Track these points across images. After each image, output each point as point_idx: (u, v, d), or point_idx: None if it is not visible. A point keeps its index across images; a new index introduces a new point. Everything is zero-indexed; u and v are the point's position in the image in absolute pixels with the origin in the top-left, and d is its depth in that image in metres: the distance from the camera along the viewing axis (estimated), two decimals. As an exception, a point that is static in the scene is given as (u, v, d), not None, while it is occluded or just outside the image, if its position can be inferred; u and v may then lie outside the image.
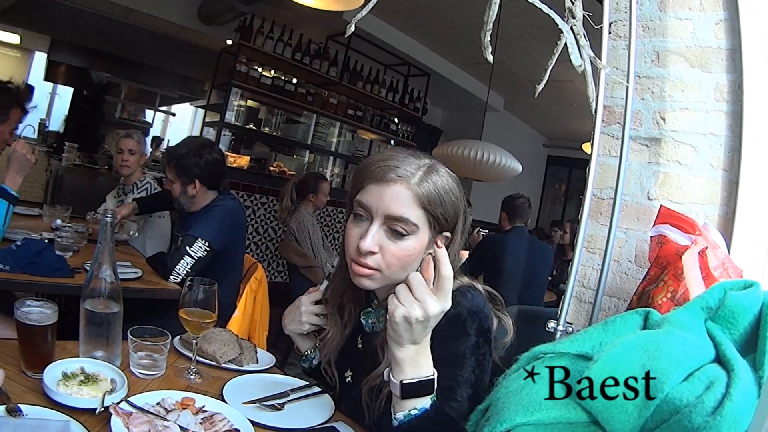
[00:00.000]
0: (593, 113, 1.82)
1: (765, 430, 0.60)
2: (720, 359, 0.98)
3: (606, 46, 1.90)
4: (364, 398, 1.46)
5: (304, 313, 1.70)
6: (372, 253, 1.39)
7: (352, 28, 1.53)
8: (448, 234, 1.48)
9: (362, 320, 1.59)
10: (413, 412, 1.25)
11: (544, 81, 1.59)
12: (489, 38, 1.56)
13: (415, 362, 1.26)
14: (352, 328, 1.64)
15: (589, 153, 1.97)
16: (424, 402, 1.25)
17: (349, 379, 1.62)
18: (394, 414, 1.28)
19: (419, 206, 1.39)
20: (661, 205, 1.87)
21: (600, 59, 1.75)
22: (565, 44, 1.54)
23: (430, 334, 1.27)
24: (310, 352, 1.76)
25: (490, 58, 1.56)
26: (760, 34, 1.88)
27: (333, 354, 1.65)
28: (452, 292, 1.38)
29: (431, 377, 1.26)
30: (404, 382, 1.25)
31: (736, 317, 1.05)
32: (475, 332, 1.41)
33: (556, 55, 1.55)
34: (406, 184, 1.39)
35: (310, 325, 1.71)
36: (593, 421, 0.97)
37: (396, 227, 1.38)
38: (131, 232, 3.80)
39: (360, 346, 1.63)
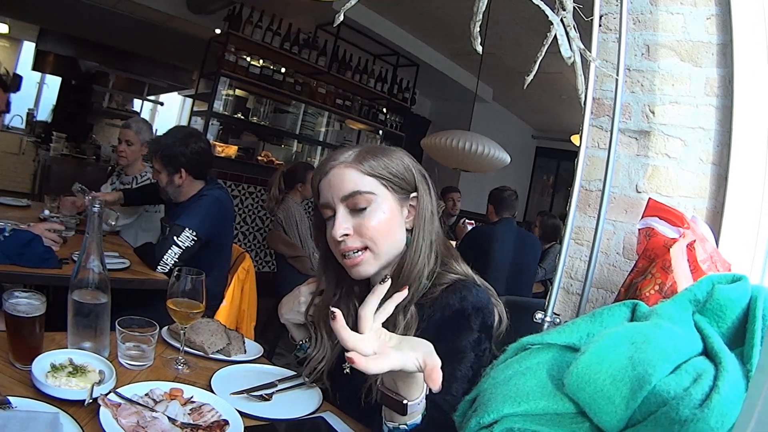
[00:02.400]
0: (582, 105, 1.82)
1: (753, 423, 0.60)
2: (708, 352, 0.98)
3: (596, 39, 1.90)
4: (364, 392, 1.45)
5: (304, 303, 1.72)
6: (346, 235, 1.45)
7: (341, 18, 1.52)
8: (414, 194, 1.53)
9: None
10: (402, 427, 1.21)
11: (533, 72, 1.59)
12: (479, 29, 1.56)
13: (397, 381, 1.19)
14: (355, 320, 1.63)
15: (577, 145, 1.97)
16: (415, 419, 1.20)
17: (347, 370, 1.61)
18: (385, 421, 1.24)
19: (365, 174, 1.48)
20: (649, 198, 1.88)
21: (590, 52, 1.75)
22: (555, 36, 1.54)
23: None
24: (305, 341, 1.76)
25: (480, 49, 1.56)
26: (752, 29, 1.88)
27: (326, 368, 1.63)
28: (456, 285, 1.44)
29: (404, 401, 1.17)
30: (380, 387, 1.22)
31: (724, 310, 1.05)
32: (478, 328, 1.42)
33: (546, 46, 1.55)
34: (344, 164, 1.50)
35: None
36: (580, 412, 0.97)
37: (355, 204, 1.46)
38: (110, 221, 3.74)
39: None
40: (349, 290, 1.65)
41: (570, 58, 1.58)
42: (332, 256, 1.57)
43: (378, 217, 1.47)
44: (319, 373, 1.64)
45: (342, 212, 1.47)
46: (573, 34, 1.57)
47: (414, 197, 1.55)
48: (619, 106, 1.91)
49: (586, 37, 1.80)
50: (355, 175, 1.48)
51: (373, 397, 1.38)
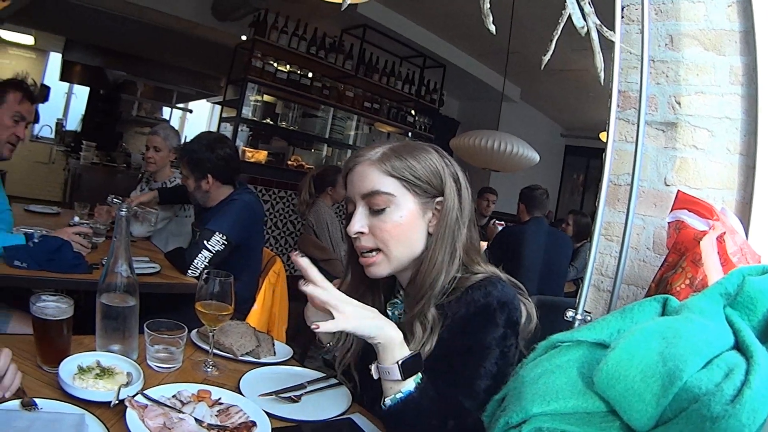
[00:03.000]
0: (601, 83, 1.78)
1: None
2: (739, 346, 0.97)
3: (619, 31, 1.87)
4: None
5: None
6: (361, 233, 1.46)
7: (347, 2, 1.53)
8: (440, 198, 1.51)
9: (388, 311, 1.62)
10: (398, 395, 1.28)
11: (550, 52, 1.58)
12: (489, 5, 1.55)
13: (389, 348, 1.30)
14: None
15: (606, 141, 1.95)
16: (408, 385, 1.28)
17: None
18: (383, 400, 1.31)
19: (387, 175, 1.47)
20: (678, 191, 1.85)
21: (612, 41, 1.73)
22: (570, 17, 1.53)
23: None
24: (332, 344, 1.76)
25: (492, 27, 1.56)
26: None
27: (352, 359, 1.65)
28: (481, 281, 1.44)
29: (419, 353, 1.32)
30: (378, 366, 1.32)
31: (755, 303, 1.03)
32: (504, 323, 1.41)
33: (561, 24, 1.54)
34: (367, 163, 1.50)
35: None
36: (611, 411, 0.96)
37: (373, 203, 1.46)
38: (152, 222, 3.80)
39: None
40: (373, 283, 1.63)
41: (583, 28, 1.56)
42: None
43: (394, 220, 1.46)
44: (346, 365, 1.65)
45: (361, 210, 1.48)
46: (588, 9, 1.55)
47: (440, 201, 1.51)
48: (645, 98, 1.88)
49: (608, 29, 1.78)
50: (376, 174, 1.47)
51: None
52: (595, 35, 1.57)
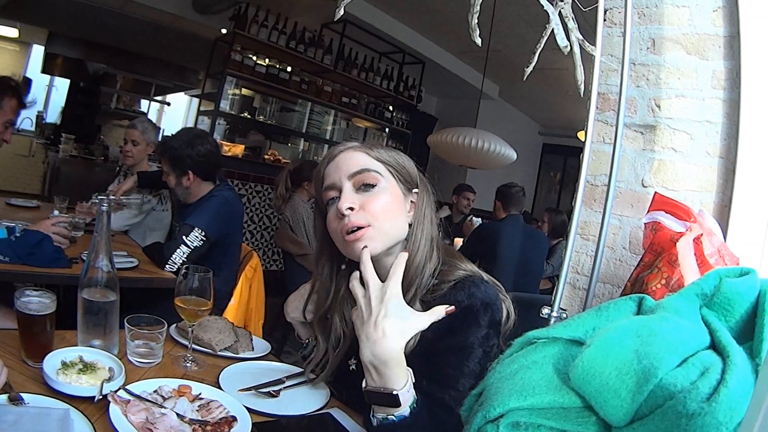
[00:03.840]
0: (581, 95, 1.81)
1: (761, 416, 0.60)
2: (715, 346, 0.98)
3: (600, 33, 1.89)
4: None
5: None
6: (351, 209, 1.43)
7: (341, 12, 1.54)
8: (416, 189, 1.56)
9: None
10: (390, 417, 1.26)
11: (533, 64, 1.60)
12: (476, 21, 1.56)
13: (379, 372, 1.25)
14: (349, 326, 1.62)
15: (583, 141, 1.97)
16: (403, 410, 1.25)
17: (353, 367, 1.62)
18: (373, 413, 1.30)
19: (374, 159, 1.51)
20: (655, 192, 1.87)
21: (594, 45, 1.75)
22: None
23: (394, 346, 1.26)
24: (311, 340, 1.76)
25: (479, 41, 1.57)
26: (759, 21, 1.87)
27: (327, 376, 1.65)
28: (464, 281, 1.46)
29: (394, 392, 1.24)
30: (366, 388, 1.28)
31: (732, 304, 1.05)
32: (487, 324, 1.43)
33: (545, 38, 1.56)
34: (354, 148, 1.54)
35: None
36: (587, 406, 0.97)
37: (363, 180, 1.47)
38: (139, 206, 3.83)
39: None
40: (345, 294, 1.60)
41: (566, 47, 1.59)
42: (328, 249, 1.58)
43: (384, 198, 1.47)
44: (320, 371, 1.64)
45: (348, 188, 1.47)
46: (571, 24, 1.58)
47: (415, 193, 1.57)
48: (624, 101, 1.90)
49: (590, 32, 1.80)
50: (364, 157, 1.51)
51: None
52: (577, 49, 1.59)
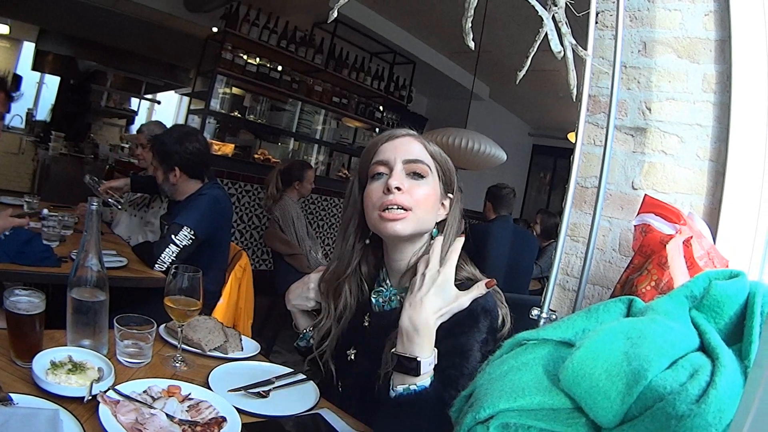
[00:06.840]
0: (573, 99, 1.82)
1: (751, 418, 0.60)
2: (705, 348, 0.98)
3: (592, 36, 1.90)
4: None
5: (313, 290, 1.77)
6: (399, 189, 1.50)
7: (335, 14, 1.54)
8: (450, 195, 1.65)
9: (372, 299, 1.66)
10: (412, 387, 1.33)
11: (525, 68, 1.61)
12: (470, 24, 1.57)
13: (410, 337, 1.35)
14: (362, 306, 1.70)
15: (574, 142, 1.97)
16: (424, 380, 1.34)
17: (352, 356, 1.66)
18: (393, 386, 1.36)
19: (428, 155, 1.59)
20: (645, 194, 1.87)
21: (585, 48, 1.76)
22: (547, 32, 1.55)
23: (432, 316, 1.37)
24: (308, 330, 1.79)
25: (472, 45, 1.58)
26: (751, 25, 1.88)
27: (329, 350, 1.69)
28: (468, 285, 1.49)
29: (417, 358, 1.33)
30: (394, 352, 1.37)
31: (722, 306, 1.05)
32: (486, 329, 1.46)
33: (538, 42, 1.57)
34: (413, 136, 1.63)
35: (316, 301, 1.78)
36: (577, 408, 0.97)
37: (415, 169, 1.56)
38: (118, 199, 3.84)
39: (366, 324, 1.67)
40: (358, 268, 1.71)
41: (560, 53, 1.59)
42: (356, 220, 1.66)
43: (428, 190, 1.56)
44: (323, 350, 1.69)
45: (400, 169, 1.54)
46: (565, 29, 1.58)
47: (449, 197, 1.66)
48: (614, 103, 1.91)
49: (582, 34, 1.80)
50: (421, 148, 1.60)
51: (380, 381, 1.45)
52: (570, 54, 1.59)
